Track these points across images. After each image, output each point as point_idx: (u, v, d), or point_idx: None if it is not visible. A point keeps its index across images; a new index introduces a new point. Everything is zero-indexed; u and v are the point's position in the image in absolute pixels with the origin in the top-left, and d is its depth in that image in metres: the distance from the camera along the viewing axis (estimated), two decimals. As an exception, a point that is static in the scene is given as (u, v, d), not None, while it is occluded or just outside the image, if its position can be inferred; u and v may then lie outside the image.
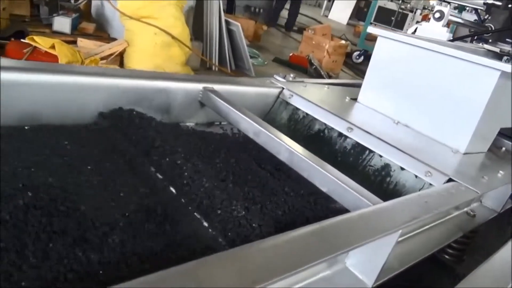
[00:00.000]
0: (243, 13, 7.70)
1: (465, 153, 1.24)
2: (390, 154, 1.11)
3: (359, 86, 1.74)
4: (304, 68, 5.27)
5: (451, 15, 1.85)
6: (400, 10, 8.95)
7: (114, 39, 3.58)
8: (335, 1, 13.27)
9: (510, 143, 1.56)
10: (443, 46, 1.27)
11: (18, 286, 0.49)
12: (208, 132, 1.15)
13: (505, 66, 1.15)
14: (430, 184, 1.05)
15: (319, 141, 1.25)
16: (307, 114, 1.30)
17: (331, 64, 5.79)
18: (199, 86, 1.14)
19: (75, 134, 0.89)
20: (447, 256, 1.30)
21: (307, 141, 1.25)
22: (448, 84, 1.28)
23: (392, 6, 9.58)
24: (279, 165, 1.03)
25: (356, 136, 1.17)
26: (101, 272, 0.55)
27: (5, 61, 0.84)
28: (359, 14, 13.34)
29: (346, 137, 1.20)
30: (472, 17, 1.97)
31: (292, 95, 1.34)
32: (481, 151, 1.36)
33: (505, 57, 1.20)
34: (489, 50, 1.51)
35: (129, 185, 0.77)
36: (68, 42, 3.15)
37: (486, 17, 1.67)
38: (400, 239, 0.74)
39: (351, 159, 1.18)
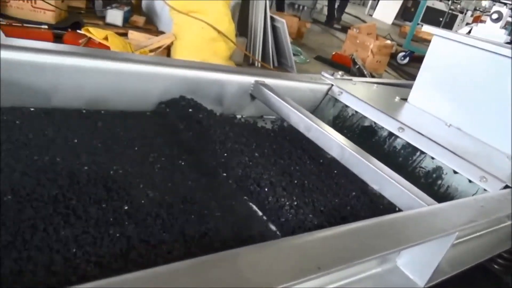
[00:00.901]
0: (286, 10, 7.68)
1: (522, 160, 1.19)
2: (443, 157, 1.08)
3: (408, 86, 1.70)
4: (347, 68, 5.19)
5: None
6: (450, 11, 8.62)
7: (162, 33, 3.68)
8: (380, 0, 12.94)
9: None
10: (505, 48, 1.22)
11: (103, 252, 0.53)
12: (258, 124, 1.16)
13: None
14: (485, 190, 1.01)
15: (367, 139, 1.24)
16: (356, 111, 1.29)
17: (375, 64, 5.67)
18: (251, 79, 1.16)
19: (136, 120, 0.94)
20: (496, 266, 1.25)
21: (355, 139, 1.24)
22: (505, 88, 1.22)
23: (441, 6, 9.23)
24: (327, 159, 1.03)
25: (407, 137, 1.15)
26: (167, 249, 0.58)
27: (76, 48, 0.89)
28: (405, 14, 12.95)
29: (396, 136, 1.18)
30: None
31: (341, 92, 1.34)
32: (539, 159, 1.29)
33: None
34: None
35: (186, 171, 0.80)
36: (120, 34, 3.28)
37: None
38: (455, 242, 0.73)
39: (400, 159, 1.16)
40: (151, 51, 3.25)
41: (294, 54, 4.66)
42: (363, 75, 5.09)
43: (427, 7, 7.33)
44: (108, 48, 2.85)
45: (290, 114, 1.05)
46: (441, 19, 8.84)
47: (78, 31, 3.05)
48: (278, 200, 0.75)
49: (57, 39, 2.96)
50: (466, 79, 1.32)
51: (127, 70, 0.93)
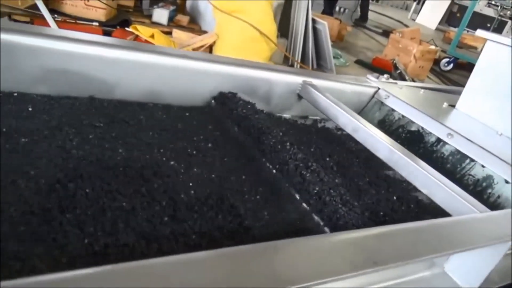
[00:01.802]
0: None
1: None
2: (494, 166, 1.05)
3: (455, 92, 1.66)
4: (388, 72, 5.09)
5: None
6: (499, 17, 8.25)
7: (205, 32, 3.76)
8: (425, 4, 12.58)
9: None
10: None
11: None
12: (304, 123, 1.18)
13: None
14: (538, 202, 0.98)
15: (414, 144, 1.22)
16: (403, 116, 1.28)
17: (417, 69, 5.53)
18: (299, 79, 1.18)
19: (186, 114, 0.97)
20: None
21: (401, 143, 1.23)
22: None
23: (489, 12, 8.85)
24: (374, 161, 1.03)
25: (456, 143, 1.13)
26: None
27: (134, 44, 0.94)
28: (450, 19, 12.51)
29: (445, 143, 1.16)
30: None
31: (388, 96, 1.33)
32: None
33: None
34: None
35: (233, 165, 0.83)
36: (165, 33, 3.38)
37: None
38: (508, 252, 0.71)
39: (448, 166, 1.13)
40: (193, 49, 3.33)
41: (333, 57, 4.62)
42: (404, 81, 4.98)
43: (474, 12, 7.03)
44: (153, 44, 2.95)
45: (337, 115, 1.06)
46: (489, 25, 8.50)
47: (126, 28, 3.17)
48: (327, 196, 0.76)
49: (107, 35, 3.10)
50: (521, 87, 1.27)
51: (182, 66, 0.97)
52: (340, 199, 0.74)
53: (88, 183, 0.61)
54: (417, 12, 12.92)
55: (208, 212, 0.66)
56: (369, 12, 8.30)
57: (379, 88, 1.37)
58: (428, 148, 1.20)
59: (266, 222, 0.69)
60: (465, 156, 1.11)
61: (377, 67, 5.35)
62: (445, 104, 1.43)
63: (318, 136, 1.11)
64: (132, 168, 0.69)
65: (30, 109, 0.76)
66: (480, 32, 1.41)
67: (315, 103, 1.13)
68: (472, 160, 1.09)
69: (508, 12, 8.35)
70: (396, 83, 1.52)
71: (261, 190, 0.78)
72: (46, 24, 2.52)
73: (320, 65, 4.52)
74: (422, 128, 1.22)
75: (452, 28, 11.43)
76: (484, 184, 1.06)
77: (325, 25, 4.19)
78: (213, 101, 1.03)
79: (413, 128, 1.25)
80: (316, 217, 0.73)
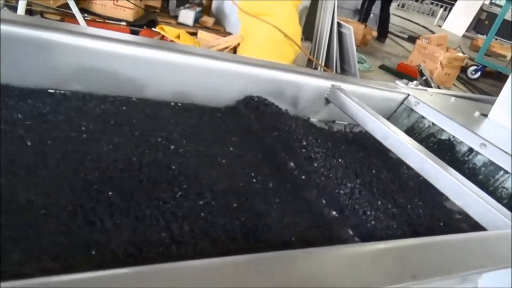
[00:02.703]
0: (352, 17, 7.56)
1: None
2: (530, 178, 1.01)
3: (487, 101, 1.61)
4: (413, 79, 5.00)
5: None
6: (530, 25, 8.00)
7: (229, 34, 3.77)
8: (452, 11, 12.33)
9: None
10: None
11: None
12: (332, 128, 1.16)
13: None
14: None
15: (444, 153, 1.19)
16: (433, 123, 1.24)
17: (443, 77, 5.42)
18: (327, 83, 1.16)
19: (213, 115, 0.97)
20: None
21: (431, 152, 1.19)
22: None
23: (520, 19, 8.59)
24: (404, 169, 1.01)
25: (490, 154, 1.09)
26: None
27: (168, 44, 0.94)
28: (478, 26, 12.22)
29: (477, 153, 1.12)
30: None
31: (418, 103, 1.29)
32: None
33: None
34: None
35: (258, 167, 0.82)
36: (190, 34, 3.41)
37: None
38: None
39: (480, 177, 1.09)
40: (218, 51, 3.35)
41: (358, 62, 4.57)
42: (429, 87, 4.88)
43: (504, 20, 6.85)
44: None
45: (367, 120, 1.03)
46: (519, 33, 8.25)
47: (152, 29, 3.22)
48: (356, 204, 0.74)
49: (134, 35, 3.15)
50: (560, 97, 1.22)
51: (211, 67, 0.97)
52: (371, 208, 0.72)
53: (124, 183, 0.62)
54: (443, 18, 12.67)
55: (232, 216, 0.65)
56: (395, 18, 8.14)
57: (408, 95, 1.33)
58: (460, 158, 1.16)
59: (292, 228, 0.68)
60: (498, 168, 1.07)
61: (402, 73, 5.26)
62: (477, 113, 1.38)
63: (346, 140, 1.09)
64: (158, 168, 0.69)
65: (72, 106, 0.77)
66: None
67: (343, 107, 1.11)
68: (506, 172, 1.05)
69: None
70: (426, 89, 1.48)
71: (287, 196, 0.77)
72: (76, 23, 2.58)
73: (343, 70, 4.48)
74: (453, 137, 1.19)
75: (479, 36, 11.16)
76: (519, 197, 1.02)
77: (351, 29, 4.15)
78: (238, 103, 1.02)
79: (444, 137, 1.22)
80: (346, 227, 0.71)
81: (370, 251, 0.46)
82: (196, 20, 3.79)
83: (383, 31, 7.35)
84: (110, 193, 0.59)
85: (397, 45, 7.74)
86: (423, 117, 1.27)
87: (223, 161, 0.80)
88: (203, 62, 0.94)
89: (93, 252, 0.48)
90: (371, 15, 7.85)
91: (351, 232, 0.71)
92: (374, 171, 0.94)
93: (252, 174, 0.79)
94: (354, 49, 4.27)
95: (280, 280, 0.38)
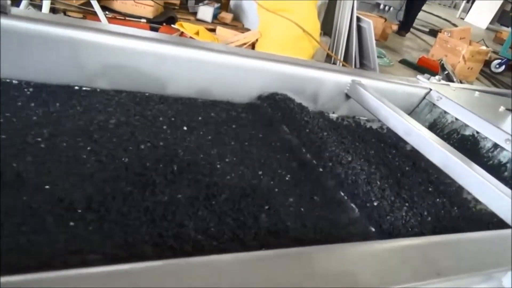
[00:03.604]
0: (371, 11, 7.45)
1: None
2: (558, 175, 0.98)
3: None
4: (434, 73, 4.90)
5: None
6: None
7: (248, 30, 3.77)
8: (475, 3, 11.99)
9: None
10: None
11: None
12: (352, 124, 1.15)
13: None
14: None
15: (467, 149, 1.17)
16: (456, 119, 1.22)
17: (466, 71, 5.29)
18: (347, 78, 1.15)
19: (232, 111, 0.98)
20: None
21: (453, 147, 1.17)
22: None
23: (548, 11, 8.29)
24: (428, 166, 1.00)
25: (516, 150, 1.06)
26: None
27: (189, 40, 0.95)
28: (502, 18, 11.85)
29: (502, 149, 1.10)
30: None
31: (441, 98, 1.27)
32: None
33: None
34: None
35: (280, 163, 0.82)
36: (209, 30, 3.42)
37: None
38: None
39: (506, 174, 1.07)
40: (236, 47, 3.35)
41: (377, 56, 4.51)
42: (451, 82, 4.77)
43: (530, 11, 6.61)
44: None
45: (388, 116, 1.02)
46: (546, 25, 7.97)
47: (172, 25, 3.24)
48: (380, 201, 0.73)
49: (154, 32, 3.18)
50: None
51: (231, 63, 0.98)
52: (394, 205, 0.72)
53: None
54: (466, 11, 12.34)
55: (250, 212, 0.65)
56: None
57: (431, 89, 1.31)
58: (484, 154, 1.14)
59: (314, 224, 0.68)
60: (525, 164, 1.05)
61: (423, 67, 5.16)
62: (501, 108, 1.35)
63: (366, 136, 1.08)
64: (184, 165, 0.71)
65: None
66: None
67: (364, 103, 1.10)
68: (533, 168, 1.03)
69: None
70: (448, 84, 1.45)
71: (309, 192, 0.77)
72: (97, 20, 2.63)
73: (363, 64, 4.42)
74: (478, 132, 1.17)
75: (504, 28, 10.82)
76: (546, 194, 0.99)
77: (370, 23, 4.09)
78: (258, 99, 1.03)
79: (468, 132, 1.19)
80: (368, 224, 0.71)
81: (394, 247, 0.46)
82: (215, 17, 3.80)
83: (407, 25, 7.18)
84: (129, 188, 0.60)
85: (417, 38, 7.59)
86: (446, 112, 1.25)
87: (241, 157, 0.80)
88: (224, 59, 0.95)
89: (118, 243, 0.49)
90: (391, 9, 7.71)
91: (373, 229, 0.70)
92: (396, 167, 0.93)
93: (277, 170, 0.79)
94: (374, 43, 4.21)
95: (303, 277, 0.39)
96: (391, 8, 7.80)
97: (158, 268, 0.37)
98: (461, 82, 4.90)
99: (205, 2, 3.72)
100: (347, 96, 1.17)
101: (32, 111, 0.71)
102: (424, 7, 7.98)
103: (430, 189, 0.91)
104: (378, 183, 0.77)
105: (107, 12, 3.04)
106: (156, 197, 0.60)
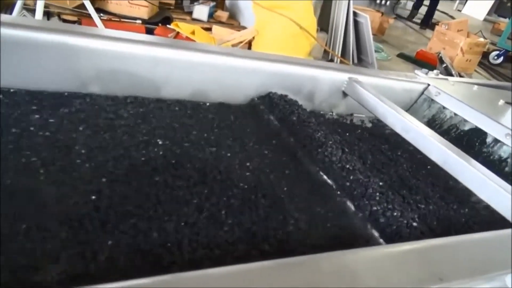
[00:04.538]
0: (367, 5, 7.42)
1: None
2: (560, 169, 0.97)
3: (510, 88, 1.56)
4: (432, 66, 4.89)
5: None
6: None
7: (244, 27, 3.75)
8: (472, -6, 11.96)
9: None
10: None
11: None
12: (349, 121, 1.14)
13: None
14: None
15: (467, 145, 1.16)
16: (455, 114, 1.21)
17: (464, 63, 5.27)
18: (344, 75, 1.14)
19: (228, 112, 0.97)
20: None
21: (453, 144, 1.16)
22: None
23: (545, 0, 8.26)
24: (426, 163, 0.99)
25: (516, 144, 1.05)
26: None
27: (184, 42, 0.94)
28: (500, 9, 11.82)
29: (502, 144, 1.09)
30: None
31: (439, 93, 1.26)
32: None
33: None
34: None
35: (276, 163, 0.81)
36: (205, 29, 3.41)
37: None
38: None
39: (506, 169, 1.06)
40: (233, 45, 3.33)
41: (375, 51, 4.49)
42: (450, 75, 4.76)
43: (528, 1, 6.59)
44: (194, 42, 2.99)
45: (386, 113, 1.01)
46: (543, 14, 7.94)
47: (167, 26, 3.23)
48: (379, 202, 0.72)
49: (149, 33, 3.16)
50: None
51: (226, 64, 0.96)
52: (393, 206, 0.71)
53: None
54: (463, 2, 12.31)
55: (253, 213, 0.64)
56: (411, 4, 7.97)
57: (429, 85, 1.30)
58: (484, 149, 1.12)
59: (311, 229, 0.67)
60: (525, 159, 1.03)
61: (421, 61, 5.14)
62: (501, 102, 1.34)
63: (365, 134, 1.07)
64: (184, 166, 0.70)
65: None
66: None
67: (361, 100, 1.09)
68: (533, 163, 1.02)
69: None
70: (447, 79, 1.44)
71: (308, 196, 0.76)
72: (92, 22, 2.61)
73: (360, 60, 4.41)
74: (477, 127, 1.15)
75: (502, 19, 10.79)
76: (547, 189, 0.98)
77: (367, 18, 4.07)
78: (255, 99, 1.02)
79: (467, 128, 1.18)
80: (370, 228, 0.70)
81: (395, 252, 0.45)
82: (210, 15, 3.79)
83: (428, 20, 7.66)
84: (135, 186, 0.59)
85: (415, 32, 7.57)
86: (444, 107, 1.24)
87: (240, 158, 0.79)
88: (218, 60, 0.94)
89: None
90: (388, 2, 7.69)
91: (376, 234, 0.69)
92: (395, 165, 0.92)
93: (271, 173, 0.78)
94: (371, 38, 4.19)
95: (304, 285, 0.38)
96: (388, 2, 7.77)
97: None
98: (459, 75, 4.89)
99: (200, 1, 3.71)
100: (344, 94, 1.16)
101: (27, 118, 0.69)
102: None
103: (430, 187, 0.90)
104: (378, 184, 0.75)
105: (101, 14, 3.03)
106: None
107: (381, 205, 0.70)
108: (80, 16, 2.96)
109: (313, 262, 0.41)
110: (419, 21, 8.15)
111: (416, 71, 1.41)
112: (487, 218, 0.85)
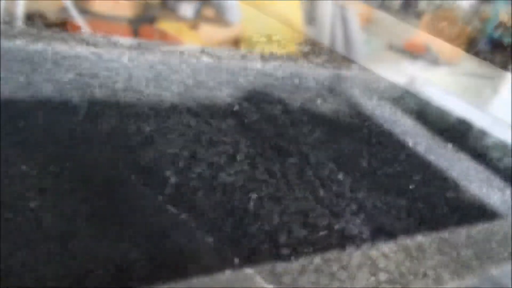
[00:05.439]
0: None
1: None
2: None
3: (500, 77, 1.56)
4: (421, 56, 4.90)
5: None
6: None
7: (230, 24, 3.72)
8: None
9: None
10: None
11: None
12: (337, 118, 1.14)
13: None
14: None
15: (454, 136, 1.15)
16: (441, 105, 1.20)
17: (452, 52, 5.29)
18: (329, 72, 1.13)
19: (214, 115, 0.95)
20: None
21: (440, 135, 1.16)
22: None
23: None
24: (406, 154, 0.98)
25: (503, 134, 1.05)
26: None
27: (155, 45, 0.92)
28: (486, -4, 11.86)
29: (489, 134, 1.08)
30: None
31: (425, 84, 1.25)
32: None
33: None
34: None
35: (266, 164, 0.80)
36: (191, 27, 3.37)
37: None
38: None
39: (492, 160, 1.06)
40: (219, 43, 3.31)
41: (363, 43, 4.48)
42: (437, 64, 4.79)
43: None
44: (179, 40, 2.95)
45: (372, 109, 1.00)
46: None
47: (152, 25, 3.18)
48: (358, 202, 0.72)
49: (134, 32, 3.12)
50: None
51: (207, 65, 0.95)
52: (364, 203, 0.70)
53: None
54: (450, -10, 12.34)
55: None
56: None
57: (415, 77, 1.29)
58: (471, 140, 1.12)
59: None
60: (512, 148, 1.03)
61: (409, 51, 5.14)
62: (488, 91, 1.34)
63: (349, 130, 1.06)
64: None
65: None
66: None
67: (347, 97, 1.08)
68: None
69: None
70: (434, 69, 1.44)
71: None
72: (76, 24, 2.56)
73: (349, 52, 4.40)
74: (464, 118, 1.15)
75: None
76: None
77: (355, 11, 4.06)
78: (238, 99, 1.00)
79: (453, 119, 1.18)
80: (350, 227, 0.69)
81: (381, 252, 0.44)
82: (197, 13, 3.75)
83: None
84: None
85: (402, 22, 7.58)
86: (430, 99, 1.23)
87: (225, 161, 0.78)
88: (197, 61, 0.92)
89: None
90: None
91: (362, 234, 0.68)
92: (375, 163, 0.91)
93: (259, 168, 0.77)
94: (359, 30, 4.18)
95: None
96: (375, -7, 7.75)
97: None
98: (447, 64, 4.91)
99: (186, -2, 3.66)
100: (330, 91, 1.15)
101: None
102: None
103: (411, 177, 0.89)
104: (354, 182, 0.75)
105: (85, 15, 2.98)
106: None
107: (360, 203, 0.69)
108: (64, 18, 2.91)
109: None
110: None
111: (403, 62, 1.41)
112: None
